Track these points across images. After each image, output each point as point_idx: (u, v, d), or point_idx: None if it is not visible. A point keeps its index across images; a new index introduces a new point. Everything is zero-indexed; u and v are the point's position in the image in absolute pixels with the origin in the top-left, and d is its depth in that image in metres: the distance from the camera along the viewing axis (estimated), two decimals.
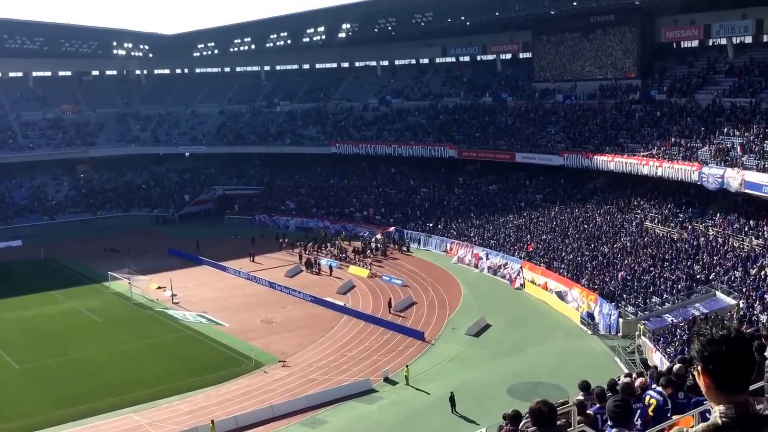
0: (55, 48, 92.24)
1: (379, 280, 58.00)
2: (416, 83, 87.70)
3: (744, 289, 40.61)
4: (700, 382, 2.81)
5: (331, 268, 61.25)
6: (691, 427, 3.01)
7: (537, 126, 70.54)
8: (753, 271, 41.59)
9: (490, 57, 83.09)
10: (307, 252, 65.85)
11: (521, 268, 55.21)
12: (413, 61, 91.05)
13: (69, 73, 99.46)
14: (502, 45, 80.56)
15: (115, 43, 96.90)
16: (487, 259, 59.17)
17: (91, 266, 63.32)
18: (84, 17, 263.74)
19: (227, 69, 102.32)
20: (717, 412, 2.71)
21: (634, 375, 16.87)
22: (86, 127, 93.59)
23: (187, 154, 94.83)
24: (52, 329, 48.46)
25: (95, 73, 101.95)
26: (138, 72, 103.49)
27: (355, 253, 64.70)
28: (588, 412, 9.85)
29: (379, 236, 68.56)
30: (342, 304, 51.70)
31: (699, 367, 2.78)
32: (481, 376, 38.69)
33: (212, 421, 33.09)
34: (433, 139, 77.00)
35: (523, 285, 53.96)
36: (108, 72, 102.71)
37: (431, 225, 68.83)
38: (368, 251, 64.99)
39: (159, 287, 56.60)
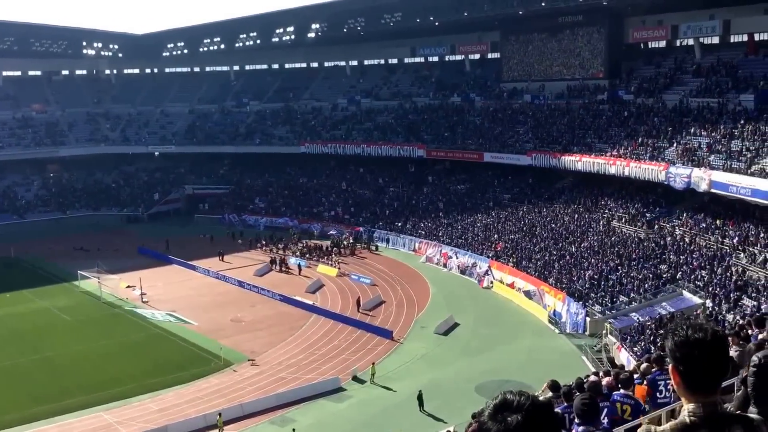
0: (25, 47, 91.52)
1: (348, 279, 58.05)
2: (385, 83, 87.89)
3: (710, 288, 41.19)
4: (672, 378, 2.79)
5: (300, 267, 61.19)
6: (659, 425, 2.94)
7: (505, 126, 70.98)
8: (719, 271, 42.21)
9: (459, 57, 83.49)
10: (276, 251, 65.81)
11: (489, 267, 55.55)
12: (382, 61, 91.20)
13: (39, 73, 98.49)
14: (470, 45, 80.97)
15: (84, 43, 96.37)
16: (456, 258, 59.45)
17: (61, 265, 62.75)
18: (54, 17, 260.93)
19: (197, 69, 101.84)
20: (686, 411, 2.69)
21: (601, 374, 17.08)
22: (56, 126, 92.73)
23: (156, 153, 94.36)
24: (22, 328, 48.21)
25: (65, 72, 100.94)
26: (108, 71, 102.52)
27: (325, 251, 64.66)
28: (556, 410, 9.98)
29: (346, 235, 68.76)
30: (311, 303, 51.70)
31: (671, 365, 2.76)
32: (450, 374, 38.89)
33: (219, 414, 33.35)
34: (401, 138, 77.20)
35: (491, 284, 54.28)
36: (78, 71, 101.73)
37: (400, 224, 69.01)
38: (338, 249, 65.03)
39: (128, 286, 56.29)
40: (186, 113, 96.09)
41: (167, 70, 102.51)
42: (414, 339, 44.54)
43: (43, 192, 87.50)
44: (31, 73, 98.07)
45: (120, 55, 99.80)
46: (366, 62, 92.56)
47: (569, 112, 66.83)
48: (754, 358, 4.37)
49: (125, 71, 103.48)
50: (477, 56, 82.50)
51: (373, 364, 38.93)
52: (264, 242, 69.12)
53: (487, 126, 72.55)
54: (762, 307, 35.39)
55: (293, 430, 32.51)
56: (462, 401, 33.24)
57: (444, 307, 49.90)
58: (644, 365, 13.98)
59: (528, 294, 49.59)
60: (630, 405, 9.43)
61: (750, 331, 13.47)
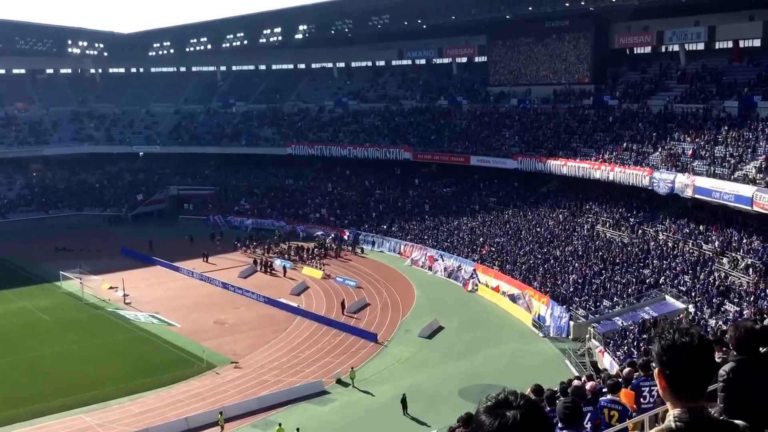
0: (10, 46, 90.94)
1: (333, 281, 57.92)
2: (372, 85, 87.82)
3: (693, 294, 41.37)
4: (657, 382, 2.80)
5: (285, 268, 61.01)
6: (643, 430, 2.95)
7: (492, 129, 71.09)
8: (702, 276, 42.39)
9: (446, 60, 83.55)
10: (259, 252, 65.66)
11: (475, 270, 55.57)
12: (369, 64, 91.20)
13: (23, 71, 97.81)
14: (458, 48, 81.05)
15: (70, 42, 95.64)
16: (442, 261, 59.43)
17: (42, 265, 62.10)
18: (39, 15, 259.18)
19: (183, 69, 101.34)
20: (671, 416, 2.69)
21: (584, 378, 17.10)
22: (40, 125, 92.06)
23: (141, 153, 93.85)
24: (2, 329, 47.84)
25: (50, 71, 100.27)
26: (93, 71, 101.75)
27: (309, 253, 64.53)
28: None
29: (331, 236, 68.69)
30: (295, 305, 51.53)
31: (657, 369, 2.76)
32: (433, 377, 38.85)
33: (221, 412, 33.49)
34: (388, 141, 77.15)
35: (476, 287, 54.30)
36: (62, 70, 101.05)
37: (385, 227, 68.97)
38: (323, 251, 64.95)
39: (111, 287, 55.87)
40: (171, 113, 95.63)
41: (153, 69, 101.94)
42: (398, 342, 44.46)
43: (26, 191, 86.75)
44: (15, 71, 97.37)
45: (105, 54, 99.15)
46: (353, 64, 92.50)
47: (555, 116, 67.00)
48: (721, 372, 4.48)
49: (110, 70, 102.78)
50: (464, 60, 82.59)
51: (353, 368, 38.83)
52: (247, 243, 68.77)
53: (474, 129, 72.64)
54: (744, 312, 35.60)
55: (279, 424, 32.46)
56: (445, 405, 33.23)
57: (429, 310, 49.84)
58: (627, 370, 14.00)
59: (513, 298, 49.64)
60: (618, 411, 9.50)
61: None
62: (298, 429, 31.82)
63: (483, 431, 2.20)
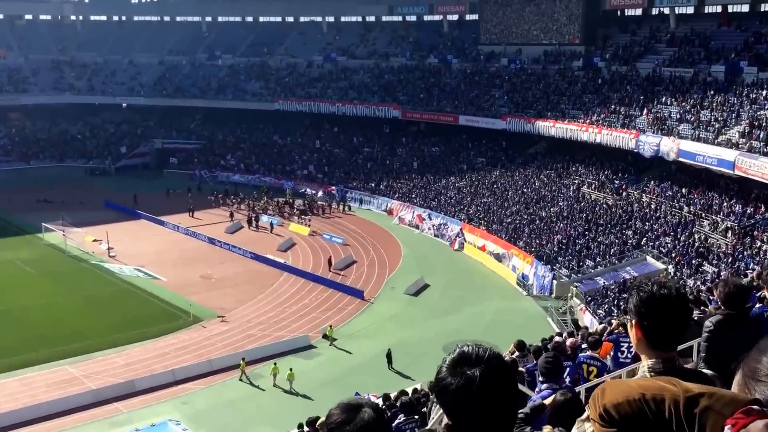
0: None
1: (320, 238, 58.10)
2: (362, 41, 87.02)
3: (673, 254, 42.04)
4: (632, 333, 2.83)
5: (272, 225, 61.08)
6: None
7: (481, 89, 70.88)
8: (683, 238, 42.99)
9: (437, 17, 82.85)
10: (244, 208, 65.59)
11: (461, 229, 55.92)
12: (359, 19, 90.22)
13: (1, 17, 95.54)
14: (449, 6, 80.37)
15: None
16: (429, 220, 59.69)
17: (23, 217, 61.52)
18: None
19: (167, 18, 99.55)
20: (645, 366, 2.74)
21: (565, 335, 17.52)
22: (18, 73, 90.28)
23: (124, 105, 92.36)
24: None
25: (28, 17, 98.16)
26: (73, 17, 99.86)
27: (298, 209, 64.58)
28: (520, 369, 10.27)
29: (320, 193, 68.67)
30: (282, 261, 51.72)
31: (633, 321, 2.79)
32: (418, 333, 39.40)
33: (243, 358, 34.31)
34: (377, 98, 76.76)
35: (462, 246, 54.69)
36: (42, 17, 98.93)
37: (373, 185, 69.01)
38: (309, 208, 65.03)
39: (95, 240, 55.56)
40: (155, 64, 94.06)
41: (136, 18, 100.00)
42: (384, 299, 44.92)
43: (5, 141, 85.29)
44: None
45: (86, 0, 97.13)
46: (343, 19, 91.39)
47: (545, 77, 66.84)
48: (707, 324, 4.71)
49: (92, 18, 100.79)
50: (455, 17, 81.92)
51: (331, 326, 39.26)
52: (222, 198, 68.03)
53: (464, 89, 72.38)
54: (721, 273, 36.28)
55: (275, 363, 33.79)
56: (430, 360, 33.48)
57: (415, 268, 50.24)
58: (615, 322, 14.54)
59: (498, 257, 50.09)
60: (596, 366, 9.72)
61: (710, 297, 14.00)
62: (291, 369, 33.08)
63: (449, 391, 2.14)
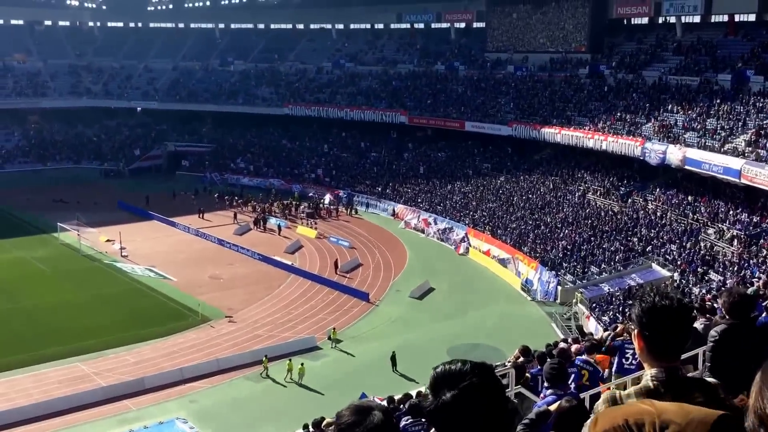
0: None
1: (327, 241, 58.75)
2: (370, 48, 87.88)
3: (679, 262, 42.31)
4: (635, 343, 2.84)
5: (279, 227, 61.79)
6: (625, 389, 2.99)
7: (487, 96, 71.47)
8: (688, 245, 43.30)
9: (445, 25, 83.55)
10: (257, 210, 66.30)
11: (466, 234, 56.47)
12: (368, 26, 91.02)
13: (21, 22, 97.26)
14: (456, 13, 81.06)
15: None
16: (435, 224, 60.27)
17: (40, 216, 62.49)
18: None
19: (181, 25, 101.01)
20: (648, 376, 2.73)
21: (569, 341, 17.84)
22: (37, 77, 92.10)
23: (139, 109, 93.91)
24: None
25: (48, 23, 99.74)
26: (91, 23, 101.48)
27: (306, 213, 65.24)
28: (526, 374, 10.45)
29: (328, 198, 69.33)
30: (289, 263, 52.37)
31: (636, 331, 2.81)
32: (423, 336, 39.78)
33: (266, 356, 35.15)
34: (384, 104, 77.52)
35: (467, 251, 55.22)
36: (61, 22, 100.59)
37: (380, 189, 69.69)
38: (317, 211, 65.68)
39: (108, 240, 56.51)
40: (170, 70, 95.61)
41: (152, 24, 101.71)
42: (389, 302, 45.45)
43: (24, 143, 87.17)
44: (13, 21, 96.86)
45: (104, 7, 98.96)
46: (352, 26, 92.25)
47: (551, 84, 67.37)
48: (713, 333, 4.82)
49: (109, 24, 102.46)
50: (462, 25, 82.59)
51: (334, 329, 39.78)
52: (230, 200, 69.06)
53: (470, 95, 73.02)
54: (727, 282, 36.60)
55: (302, 364, 34.61)
56: (434, 362, 32.27)
57: (420, 271, 50.77)
58: (620, 328, 14.77)
59: (503, 262, 50.59)
60: (588, 371, 9.77)
61: (715, 305, 14.26)
62: (302, 363, 34.03)
63: (431, 415, 2.24)
